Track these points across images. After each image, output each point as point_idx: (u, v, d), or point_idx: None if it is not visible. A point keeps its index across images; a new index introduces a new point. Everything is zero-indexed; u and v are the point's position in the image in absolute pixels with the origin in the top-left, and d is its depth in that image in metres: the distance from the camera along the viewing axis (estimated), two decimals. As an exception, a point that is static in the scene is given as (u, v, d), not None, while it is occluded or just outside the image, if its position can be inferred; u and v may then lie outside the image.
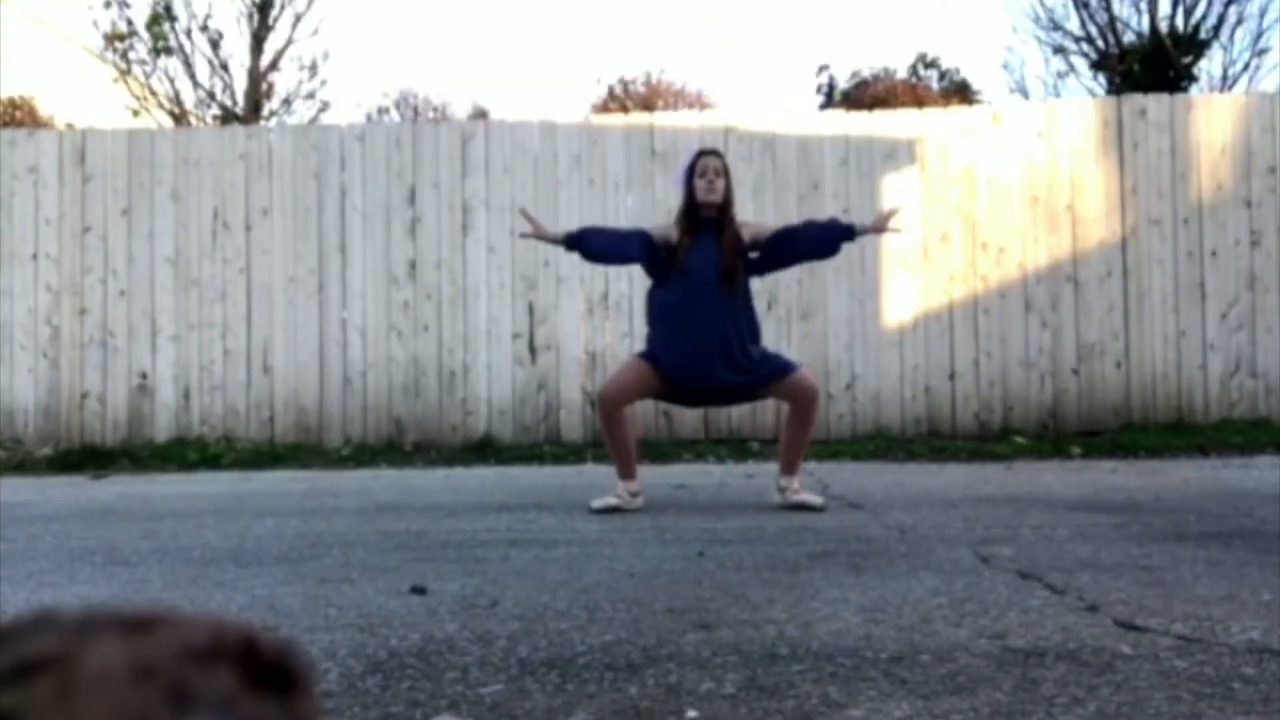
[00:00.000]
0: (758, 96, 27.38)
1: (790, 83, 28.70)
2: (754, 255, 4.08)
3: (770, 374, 4.01)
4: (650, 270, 4.10)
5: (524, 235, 4.21)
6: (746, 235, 4.08)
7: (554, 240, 4.08)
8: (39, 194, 7.41)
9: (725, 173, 4.04)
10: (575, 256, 4.20)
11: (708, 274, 3.95)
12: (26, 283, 7.37)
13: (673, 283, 3.98)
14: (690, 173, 4.04)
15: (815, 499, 3.98)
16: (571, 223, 7.33)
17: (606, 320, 7.29)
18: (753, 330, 4.05)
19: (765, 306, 7.23)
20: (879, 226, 4.10)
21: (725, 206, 4.03)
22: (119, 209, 7.40)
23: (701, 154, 4.07)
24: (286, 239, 7.38)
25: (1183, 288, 7.21)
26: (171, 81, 11.12)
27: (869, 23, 28.81)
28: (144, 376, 7.33)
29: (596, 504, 3.99)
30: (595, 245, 4.08)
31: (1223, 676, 1.66)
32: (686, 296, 3.95)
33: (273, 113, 11.73)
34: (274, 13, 11.14)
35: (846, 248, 4.22)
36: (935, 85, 16.34)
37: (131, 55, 11.04)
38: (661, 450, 6.77)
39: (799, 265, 4.27)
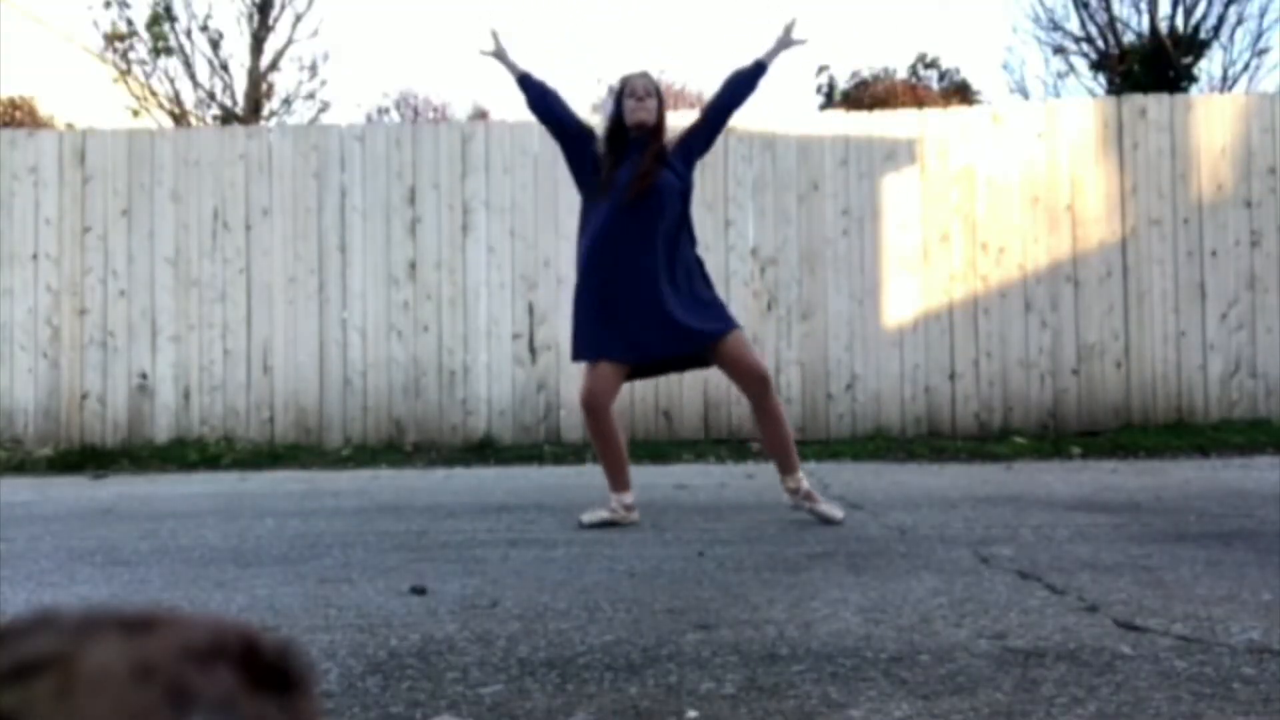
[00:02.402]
0: (758, 96, 27.33)
1: (790, 83, 28.71)
2: (689, 141, 3.79)
3: (720, 318, 3.68)
4: (577, 172, 3.79)
5: (483, 52, 3.92)
6: (677, 139, 3.79)
7: (510, 67, 3.87)
8: (39, 194, 7.41)
9: (657, 93, 3.73)
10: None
11: (625, 191, 3.62)
12: (26, 283, 7.37)
13: (599, 206, 3.67)
14: (619, 96, 3.74)
15: (836, 512, 3.64)
16: (571, 223, 7.32)
17: (606, 320, 7.28)
18: (691, 263, 3.72)
19: (765, 306, 7.24)
20: (782, 42, 3.88)
21: (658, 129, 3.71)
22: (119, 209, 7.40)
23: (628, 77, 3.77)
24: (286, 239, 7.38)
25: (1183, 288, 7.21)
26: (171, 82, 11.13)
27: (869, 23, 28.82)
28: (144, 377, 7.33)
29: (587, 518, 3.68)
30: (538, 94, 3.82)
31: (1223, 676, 1.66)
32: (612, 218, 3.62)
33: (273, 113, 11.73)
34: (274, 13, 11.14)
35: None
36: (935, 85, 16.34)
37: (131, 55, 11.05)
38: (661, 450, 6.77)
39: (728, 116, 3.83)
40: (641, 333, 3.64)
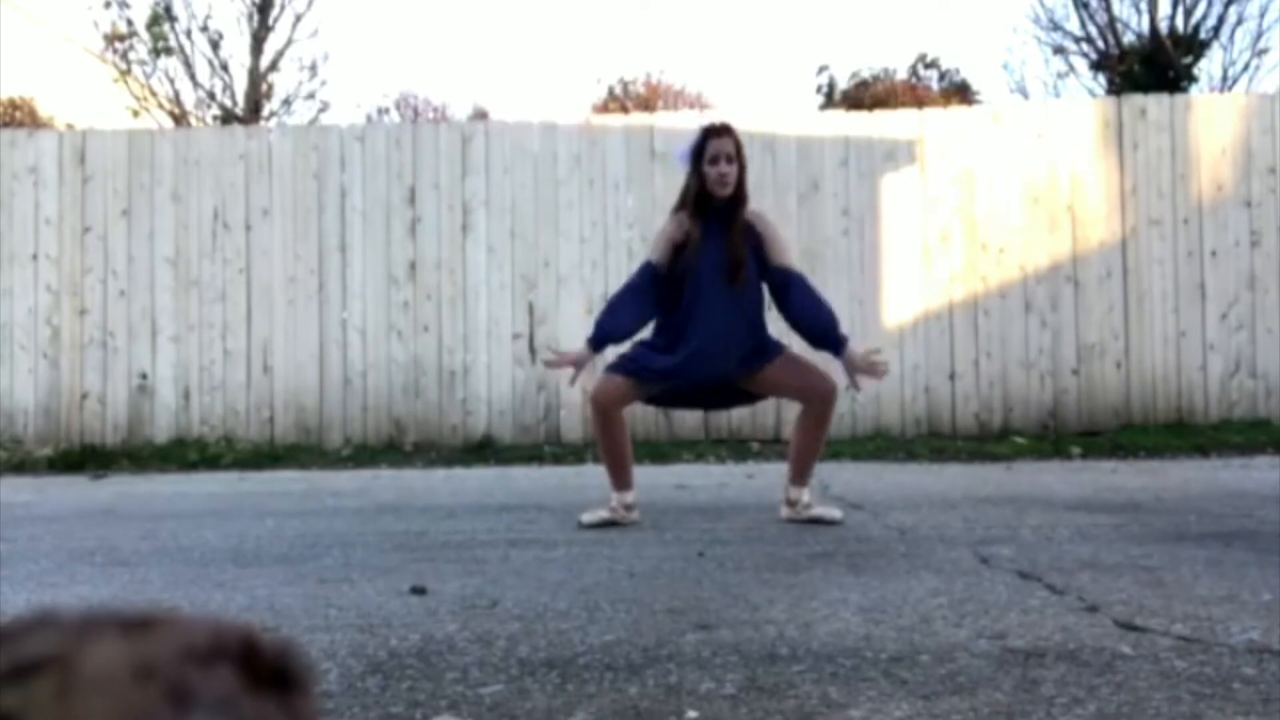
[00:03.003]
0: (758, 96, 27.39)
1: (790, 83, 28.72)
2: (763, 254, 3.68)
3: (770, 356, 3.67)
4: (661, 303, 3.70)
5: (548, 364, 3.87)
6: (760, 230, 3.68)
7: (586, 359, 3.73)
8: (39, 194, 7.41)
9: (738, 154, 3.59)
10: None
11: (715, 271, 3.58)
12: (26, 283, 7.37)
13: (684, 284, 3.62)
14: (699, 156, 3.59)
15: (833, 512, 3.64)
16: (571, 223, 7.34)
17: (606, 320, 7.28)
18: (759, 329, 3.72)
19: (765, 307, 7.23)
20: (867, 370, 3.64)
21: (736, 198, 3.61)
22: (119, 209, 7.40)
23: (709, 134, 3.59)
24: (286, 239, 7.38)
25: (1183, 288, 7.21)
26: (171, 82, 11.13)
27: (869, 23, 28.82)
28: (144, 377, 7.33)
29: (587, 518, 3.63)
30: (613, 329, 3.71)
31: (1223, 676, 1.66)
32: (697, 297, 3.59)
33: (273, 113, 11.73)
34: (274, 13, 11.14)
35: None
36: (935, 85, 16.34)
37: (131, 55, 11.05)
38: (661, 450, 6.77)
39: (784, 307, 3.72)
40: (690, 386, 3.68)
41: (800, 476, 3.68)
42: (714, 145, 3.57)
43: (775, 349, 3.72)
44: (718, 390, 3.77)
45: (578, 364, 3.71)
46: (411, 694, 1.65)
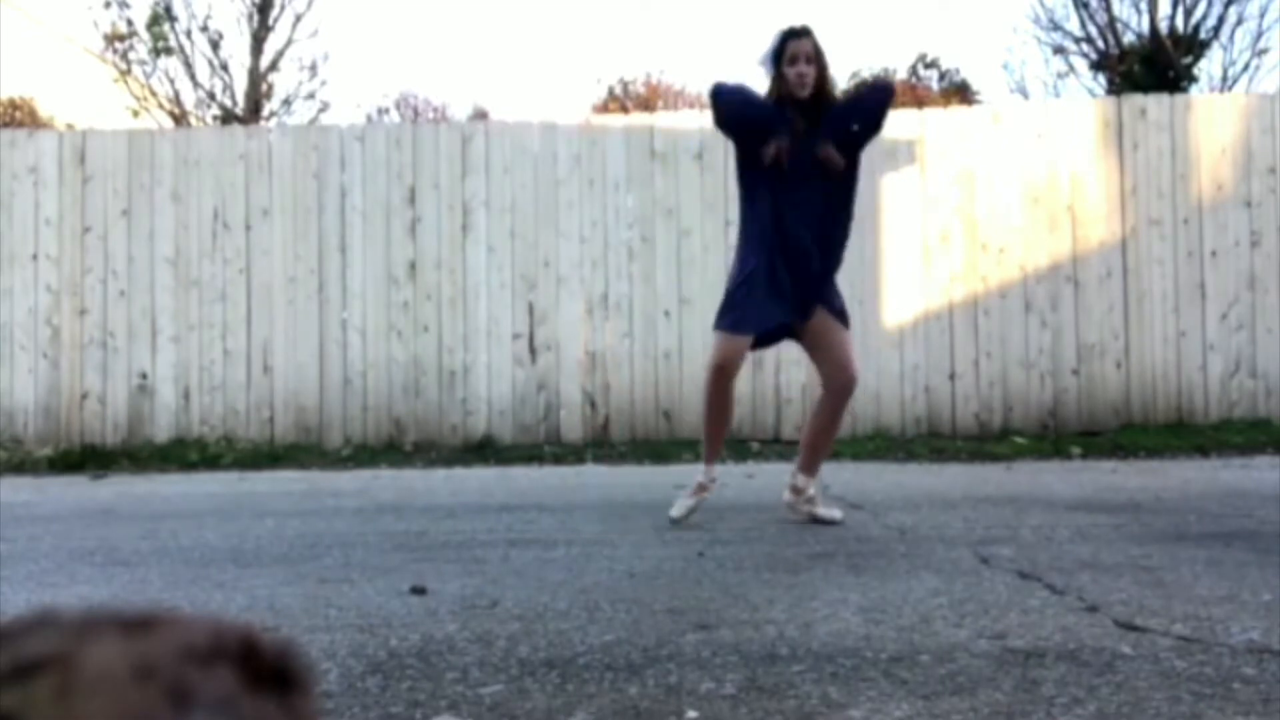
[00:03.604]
0: (758, 96, 27.30)
1: (790, 83, 28.63)
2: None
3: (832, 306, 3.60)
4: (746, 150, 3.62)
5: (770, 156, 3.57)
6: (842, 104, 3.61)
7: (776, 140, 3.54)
8: (39, 194, 7.41)
9: (817, 56, 3.50)
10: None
11: (804, 171, 3.51)
12: (26, 283, 7.37)
13: (768, 177, 3.55)
14: (778, 59, 3.51)
15: (834, 513, 3.60)
16: (571, 223, 7.34)
17: (606, 320, 7.29)
18: (841, 240, 3.64)
19: (765, 306, 7.23)
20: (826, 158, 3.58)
21: (818, 98, 3.52)
22: (119, 209, 7.40)
23: (788, 36, 3.51)
24: (286, 239, 7.38)
25: (1183, 288, 7.21)
26: (171, 82, 11.14)
27: (869, 23, 28.82)
28: (144, 377, 7.33)
29: (676, 513, 3.60)
30: (732, 103, 3.59)
31: (1223, 676, 1.66)
32: (784, 196, 3.52)
33: (273, 113, 11.74)
34: (274, 13, 11.15)
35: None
36: (935, 85, 16.34)
37: (131, 55, 11.06)
38: (661, 450, 6.77)
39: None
40: (782, 305, 3.56)
41: (809, 466, 3.64)
42: (792, 46, 3.49)
43: (839, 297, 3.67)
44: (799, 300, 3.60)
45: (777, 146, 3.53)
46: (411, 694, 1.65)
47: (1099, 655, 1.80)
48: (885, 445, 6.84)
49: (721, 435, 3.70)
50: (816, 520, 3.56)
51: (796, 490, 3.64)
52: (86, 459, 6.90)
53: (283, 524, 3.87)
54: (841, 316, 3.65)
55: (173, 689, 0.30)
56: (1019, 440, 6.84)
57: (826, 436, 3.67)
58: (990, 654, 1.82)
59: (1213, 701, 1.53)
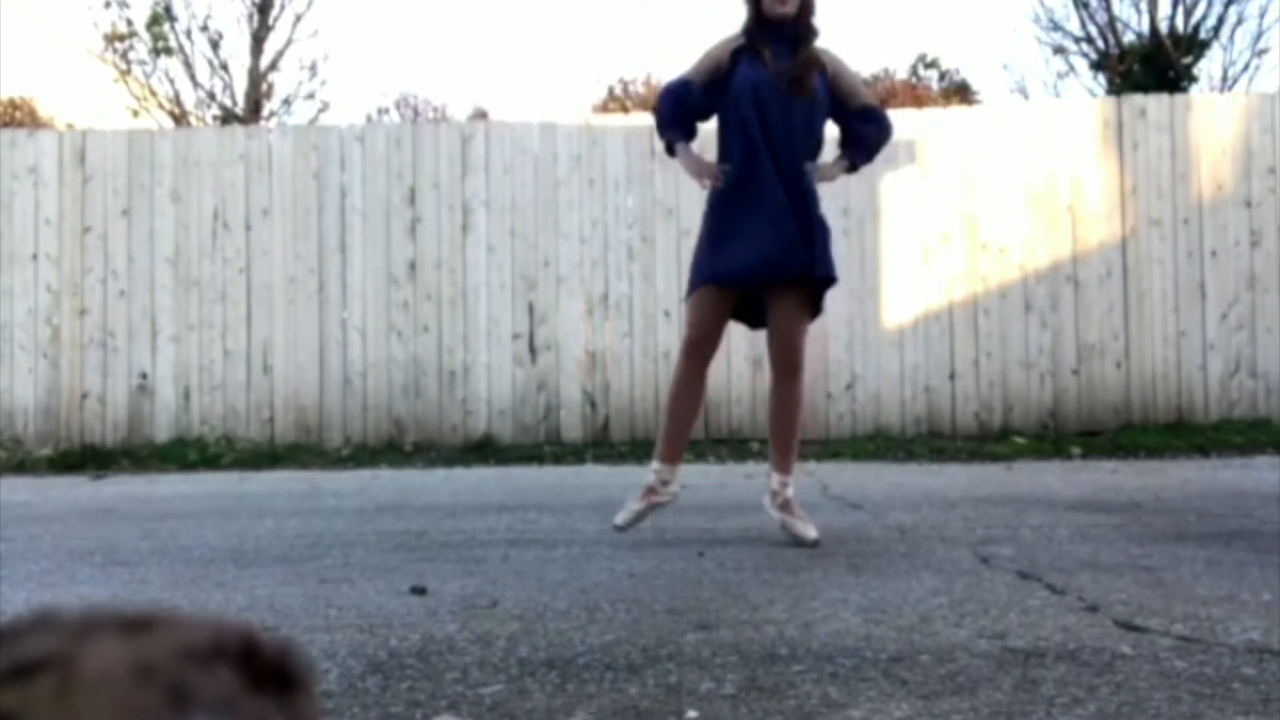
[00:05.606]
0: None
1: (790, 83, 28.64)
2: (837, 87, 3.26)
3: (818, 256, 3.14)
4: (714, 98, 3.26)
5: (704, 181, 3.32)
6: (832, 67, 3.23)
7: (695, 157, 3.33)
8: (39, 194, 7.41)
9: None
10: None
11: (775, 92, 3.12)
12: (26, 283, 7.37)
13: (740, 109, 3.17)
14: None
15: (809, 532, 3.12)
16: (571, 223, 7.34)
17: (606, 320, 7.29)
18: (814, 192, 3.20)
19: (765, 306, 7.24)
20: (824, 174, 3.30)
21: (803, 15, 3.17)
22: (119, 209, 7.40)
23: None
24: (286, 239, 7.38)
25: (1183, 288, 7.21)
26: (171, 82, 11.14)
27: (869, 23, 28.81)
28: (144, 376, 7.33)
29: (621, 519, 3.29)
30: (665, 116, 3.31)
31: (1223, 676, 1.66)
32: (757, 116, 3.12)
33: (273, 113, 11.74)
34: (274, 13, 11.15)
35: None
36: (935, 85, 16.34)
37: (131, 55, 11.06)
38: (661, 450, 6.76)
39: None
40: (756, 250, 3.12)
41: (781, 464, 3.26)
42: None
43: (826, 233, 3.25)
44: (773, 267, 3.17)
45: (699, 167, 3.29)
46: (411, 694, 1.65)
47: (1099, 655, 1.80)
48: (885, 445, 6.84)
49: (685, 431, 3.31)
50: (790, 532, 3.16)
51: (773, 493, 3.28)
52: (86, 459, 6.90)
53: (283, 524, 3.87)
54: (817, 298, 3.25)
55: (173, 689, 0.30)
56: (1019, 440, 6.84)
57: (790, 429, 3.27)
58: (990, 654, 1.82)
59: (1213, 701, 1.53)
